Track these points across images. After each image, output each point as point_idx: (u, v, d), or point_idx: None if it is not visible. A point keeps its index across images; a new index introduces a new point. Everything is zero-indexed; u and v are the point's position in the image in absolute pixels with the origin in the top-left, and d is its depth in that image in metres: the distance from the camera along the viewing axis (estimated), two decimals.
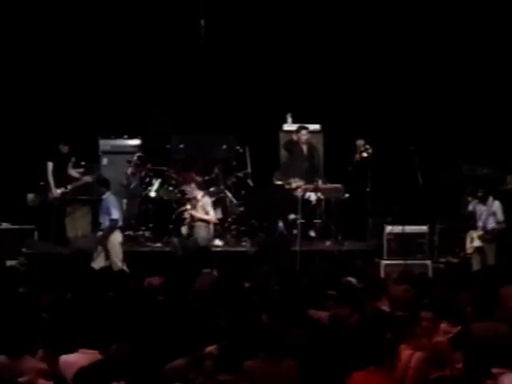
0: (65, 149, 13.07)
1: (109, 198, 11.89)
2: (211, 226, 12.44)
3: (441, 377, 5.61)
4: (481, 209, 11.68)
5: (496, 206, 11.61)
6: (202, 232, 12.08)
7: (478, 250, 11.63)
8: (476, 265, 11.46)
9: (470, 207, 11.89)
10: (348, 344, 6.31)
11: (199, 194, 12.29)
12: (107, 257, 11.76)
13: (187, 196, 12.51)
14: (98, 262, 11.56)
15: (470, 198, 11.98)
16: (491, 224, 11.59)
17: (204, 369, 5.71)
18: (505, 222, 11.59)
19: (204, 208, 12.17)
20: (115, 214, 11.80)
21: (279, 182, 12.98)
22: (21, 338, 6.00)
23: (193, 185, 12.45)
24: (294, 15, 14.11)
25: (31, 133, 13.66)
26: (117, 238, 11.85)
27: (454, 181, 12.87)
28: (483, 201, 11.65)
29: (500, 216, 11.58)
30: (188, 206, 12.31)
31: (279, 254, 11.79)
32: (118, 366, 5.46)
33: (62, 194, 12.81)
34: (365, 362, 5.76)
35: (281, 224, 11.98)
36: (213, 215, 12.24)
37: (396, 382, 5.89)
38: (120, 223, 11.97)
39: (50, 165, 12.91)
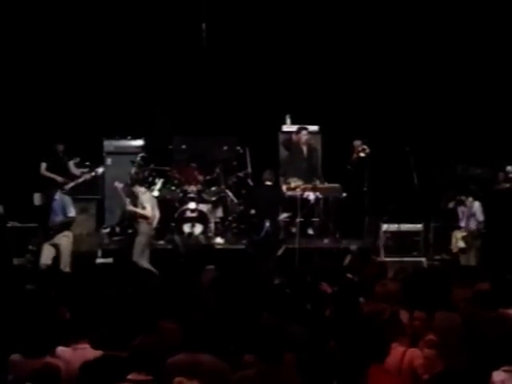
0: (60, 147, 13.12)
1: (63, 197, 11.64)
2: (152, 222, 12.11)
3: (446, 370, 5.64)
4: (462, 210, 11.72)
5: (476, 206, 11.63)
6: (142, 228, 11.92)
7: (461, 250, 11.68)
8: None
9: (451, 205, 11.92)
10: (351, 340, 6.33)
11: (140, 191, 12.17)
12: (56, 254, 11.50)
13: (135, 194, 12.19)
14: (45, 260, 11.37)
15: (463, 197, 12.05)
16: (472, 225, 11.62)
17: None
18: (485, 222, 11.60)
19: (141, 204, 12.06)
20: (72, 212, 11.61)
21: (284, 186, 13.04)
22: (39, 338, 6.03)
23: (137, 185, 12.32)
24: (293, 21, 14.16)
25: (37, 134, 13.70)
26: (69, 236, 11.63)
27: (448, 180, 12.91)
28: (463, 202, 11.68)
29: (480, 216, 11.59)
30: (127, 203, 12.15)
31: (264, 253, 11.82)
32: (141, 358, 5.52)
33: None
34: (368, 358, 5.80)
35: (267, 224, 12.01)
36: (149, 211, 11.93)
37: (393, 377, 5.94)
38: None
39: (44, 165, 12.96)
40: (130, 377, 5.38)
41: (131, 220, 12.22)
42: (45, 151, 13.08)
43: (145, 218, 11.90)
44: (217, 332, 6.20)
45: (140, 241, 11.83)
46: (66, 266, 11.20)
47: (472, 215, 11.64)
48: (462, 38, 14.04)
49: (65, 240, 11.50)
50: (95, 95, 14.15)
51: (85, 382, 5.65)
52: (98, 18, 14.11)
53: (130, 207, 11.99)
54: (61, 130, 13.57)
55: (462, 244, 11.70)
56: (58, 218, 11.54)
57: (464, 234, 11.68)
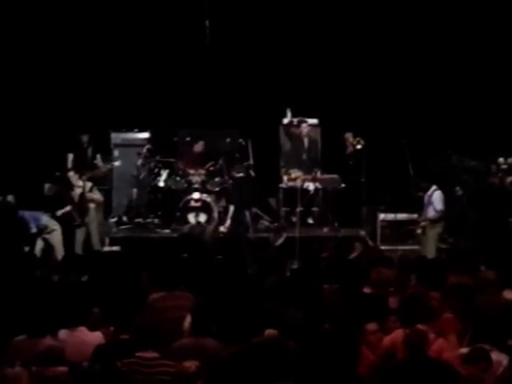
0: (85, 138, 13.18)
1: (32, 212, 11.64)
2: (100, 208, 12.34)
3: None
4: (425, 198, 11.63)
5: (435, 196, 11.45)
6: (93, 214, 11.97)
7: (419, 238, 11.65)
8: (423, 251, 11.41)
9: (420, 194, 11.82)
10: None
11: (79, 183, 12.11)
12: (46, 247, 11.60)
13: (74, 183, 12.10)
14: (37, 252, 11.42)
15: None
16: (430, 213, 11.54)
17: None
18: (442, 212, 11.48)
19: (94, 191, 12.12)
20: (42, 220, 11.56)
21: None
22: (41, 319, 6.07)
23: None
24: (292, 18, 14.11)
25: (48, 128, 13.71)
26: (57, 229, 11.63)
27: (442, 170, 12.89)
28: (425, 190, 11.57)
29: (437, 205, 11.41)
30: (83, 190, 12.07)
31: (243, 242, 11.86)
32: (144, 338, 5.55)
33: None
34: None
35: (247, 214, 12.04)
36: (100, 196, 12.19)
37: None
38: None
39: (70, 156, 13.04)
40: (137, 354, 5.41)
41: (82, 209, 12.06)
42: (70, 142, 13.11)
43: (97, 203, 12.06)
44: (220, 317, 6.22)
45: (95, 227, 11.95)
46: (60, 255, 11.23)
47: (430, 203, 11.49)
48: (457, 33, 13.96)
49: (54, 234, 11.53)
50: (103, 90, 14.13)
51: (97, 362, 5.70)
52: (105, 14, 14.09)
53: (88, 194, 11.99)
54: (70, 123, 13.57)
55: (419, 230, 11.64)
56: (33, 229, 11.52)
57: (421, 221, 11.64)
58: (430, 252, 11.15)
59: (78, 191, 11.95)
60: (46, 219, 11.58)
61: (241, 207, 12.21)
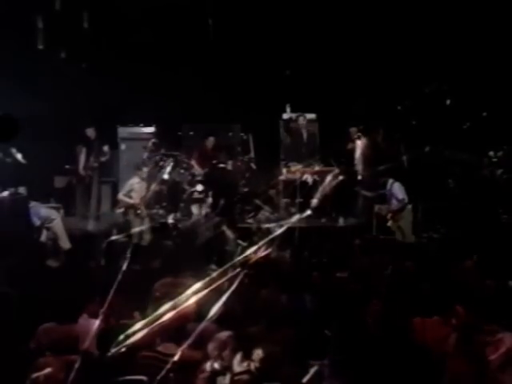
0: (89, 132, 13.16)
1: (35, 205, 11.59)
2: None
3: None
4: (386, 193, 11.67)
5: (394, 187, 11.50)
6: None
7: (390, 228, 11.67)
8: None
9: (383, 191, 11.85)
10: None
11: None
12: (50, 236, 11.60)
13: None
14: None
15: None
16: (393, 204, 11.54)
17: None
18: (404, 200, 11.48)
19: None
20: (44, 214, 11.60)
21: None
22: (70, 305, 6.06)
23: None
24: (291, 18, 14.12)
25: (54, 121, 13.72)
26: (57, 219, 11.61)
27: (435, 163, 12.89)
28: (384, 185, 11.58)
29: (399, 195, 11.47)
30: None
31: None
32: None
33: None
34: None
35: (222, 201, 12.14)
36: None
37: None
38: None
39: (84, 150, 13.06)
40: (159, 348, 5.35)
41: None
42: (79, 137, 13.11)
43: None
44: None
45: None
46: (65, 243, 11.25)
47: (392, 195, 11.54)
48: (450, 28, 13.91)
49: (55, 222, 11.50)
50: (109, 86, 14.11)
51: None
52: (111, 13, 14.05)
53: (153, 186, 12.12)
54: (78, 117, 13.58)
55: (390, 222, 11.68)
56: (36, 222, 11.48)
57: (386, 214, 11.67)
58: (410, 241, 11.20)
59: (143, 185, 11.99)
60: (44, 210, 11.61)
61: (218, 195, 12.27)
